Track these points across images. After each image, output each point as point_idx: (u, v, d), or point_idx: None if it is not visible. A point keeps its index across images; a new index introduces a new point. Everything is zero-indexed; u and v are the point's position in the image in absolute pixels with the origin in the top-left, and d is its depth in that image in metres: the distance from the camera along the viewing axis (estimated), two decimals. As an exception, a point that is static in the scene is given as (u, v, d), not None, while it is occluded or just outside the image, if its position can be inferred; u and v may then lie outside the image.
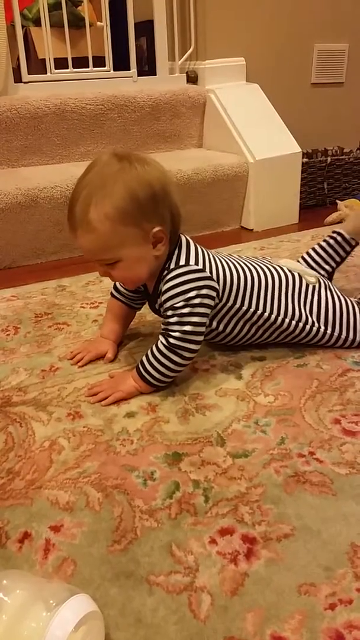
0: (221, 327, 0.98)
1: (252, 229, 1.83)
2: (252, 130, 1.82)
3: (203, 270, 0.91)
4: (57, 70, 1.82)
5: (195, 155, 1.87)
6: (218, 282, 0.93)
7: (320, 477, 0.74)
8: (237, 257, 1.02)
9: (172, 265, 0.91)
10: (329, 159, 2.00)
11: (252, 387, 0.95)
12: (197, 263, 0.91)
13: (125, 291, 1.06)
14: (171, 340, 0.89)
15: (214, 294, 0.92)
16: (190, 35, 1.98)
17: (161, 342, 0.90)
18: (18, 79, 1.79)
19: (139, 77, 1.92)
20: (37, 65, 1.96)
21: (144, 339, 1.14)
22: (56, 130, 1.76)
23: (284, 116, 1.90)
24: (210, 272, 0.92)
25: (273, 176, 1.81)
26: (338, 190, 2.06)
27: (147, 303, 1.04)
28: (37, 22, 2.00)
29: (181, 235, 0.94)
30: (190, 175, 1.68)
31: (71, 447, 0.82)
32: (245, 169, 1.77)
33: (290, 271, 1.03)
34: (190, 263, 0.91)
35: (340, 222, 1.83)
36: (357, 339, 1.03)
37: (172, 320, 0.89)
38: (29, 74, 1.79)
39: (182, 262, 0.91)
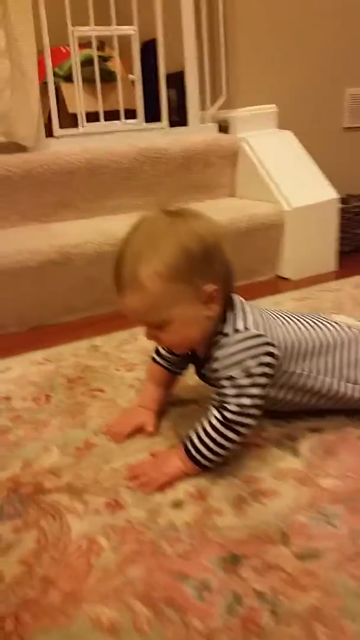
0: (279, 394, 0.88)
1: (289, 278, 1.74)
2: (287, 177, 1.76)
3: (263, 335, 0.82)
4: (88, 124, 1.80)
5: (229, 204, 1.82)
6: (279, 347, 0.84)
7: None
8: (291, 315, 0.92)
9: (229, 330, 0.82)
10: (367, 202, 1.92)
11: (313, 466, 0.84)
12: (256, 327, 0.82)
13: (168, 355, 0.98)
14: (227, 414, 0.80)
15: (274, 361, 0.83)
16: (221, 83, 1.95)
17: (215, 416, 0.81)
18: (49, 134, 1.77)
19: (170, 128, 1.89)
20: (68, 120, 1.95)
21: (186, 408, 1.04)
22: (88, 185, 1.72)
23: (317, 162, 1.84)
24: (271, 336, 0.83)
25: (310, 224, 1.73)
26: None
27: (193, 368, 0.95)
28: (67, 79, 2.02)
29: (233, 295, 0.86)
30: (226, 226, 1.61)
31: (112, 548, 0.72)
32: (280, 217, 1.70)
33: (350, 329, 0.93)
34: (249, 327, 0.82)
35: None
36: None
37: (228, 392, 0.80)
38: (60, 128, 1.77)
39: (239, 326, 0.82)
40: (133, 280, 0.76)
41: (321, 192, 1.76)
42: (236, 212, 1.67)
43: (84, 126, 1.80)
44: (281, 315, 0.90)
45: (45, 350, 1.37)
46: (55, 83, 1.82)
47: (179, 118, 2.02)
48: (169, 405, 1.04)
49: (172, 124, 1.95)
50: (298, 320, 0.90)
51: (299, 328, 0.88)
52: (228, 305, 0.84)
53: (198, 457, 0.81)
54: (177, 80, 2.08)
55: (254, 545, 0.70)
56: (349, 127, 2.13)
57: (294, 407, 0.92)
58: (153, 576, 0.67)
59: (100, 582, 0.67)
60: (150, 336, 0.84)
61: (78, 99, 1.77)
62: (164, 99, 1.86)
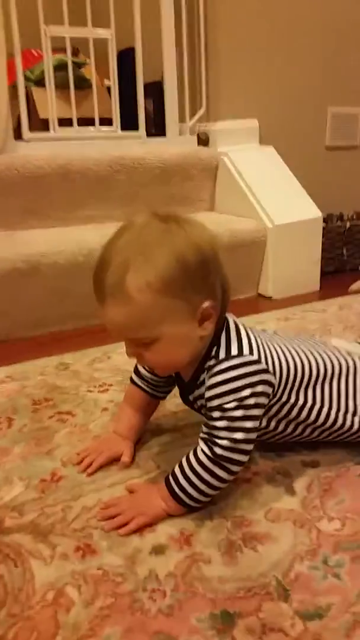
0: (271, 425, 0.80)
1: (271, 297, 1.68)
2: (269, 194, 1.71)
3: (259, 361, 0.73)
4: (60, 128, 1.71)
5: (209, 219, 1.74)
6: (275, 374, 0.75)
7: None
8: (288, 340, 0.84)
9: (222, 355, 0.73)
10: (347, 223, 1.89)
11: (311, 506, 0.75)
12: (251, 352, 0.73)
13: (149, 375, 0.88)
14: (217, 450, 0.70)
15: (269, 390, 0.74)
16: (201, 95, 1.90)
17: (203, 451, 0.72)
18: (18, 137, 1.67)
19: (147, 138, 1.82)
20: (38, 127, 1.86)
21: (167, 436, 0.94)
22: (59, 192, 1.62)
23: (299, 180, 1.79)
24: (266, 362, 0.74)
25: (293, 242, 1.68)
26: (358, 255, 1.93)
27: (178, 391, 0.86)
28: (38, 84, 1.93)
29: (227, 316, 0.77)
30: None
31: (83, 602, 0.61)
32: (263, 234, 1.64)
33: (350, 355, 0.85)
34: (244, 353, 0.73)
35: (365, 290, 1.70)
36: None
37: (219, 424, 0.71)
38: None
39: (234, 351, 0.73)
40: (119, 290, 0.67)
41: (305, 209, 1.71)
42: (217, 227, 1.59)
43: (56, 131, 1.71)
44: (277, 340, 0.82)
45: (8, 367, 1.25)
46: (25, 87, 1.73)
47: (156, 130, 1.95)
48: (147, 433, 0.94)
49: (150, 135, 1.88)
50: (296, 346, 0.83)
51: (297, 354, 0.80)
52: (222, 326, 0.75)
53: (182, 496, 0.72)
54: (154, 91, 2.01)
55: (250, 600, 0.61)
56: (331, 146, 2.11)
57: (287, 439, 0.84)
58: (132, 637, 0.57)
59: (69, 648, 0.56)
60: (132, 354, 0.74)
61: (50, 104, 1.68)
62: (141, 107, 1.79)
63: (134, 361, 0.90)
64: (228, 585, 0.63)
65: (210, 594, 0.62)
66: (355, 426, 0.82)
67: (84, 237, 1.46)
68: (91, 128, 1.75)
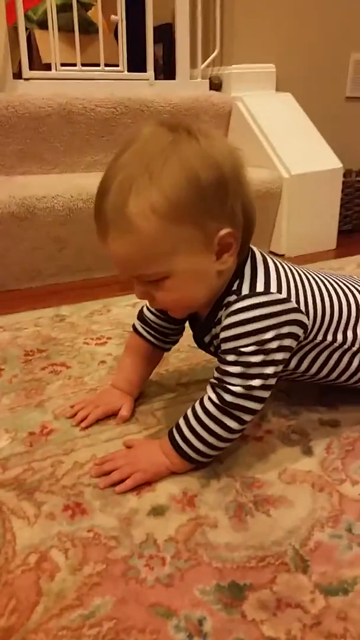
0: (303, 366, 0.70)
1: (284, 254, 1.57)
2: (286, 142, 1.58)
3: (287, 300, 0.63)
4: (63, 68, 1.58)
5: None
6: (308, 314, 0.65)
7: None
8: (327, 275, 0.74)
9: (245, 290, 0.63)
10: (367, 179, 1.76)
11: (331, 468, 0.67)
12: (279, 290, 0.63)
13: (157, 323, 0.78)
14: (227, 397, 0.61)
15: (300, 331, 0.65)
16: (214, 38, 1.75)
17: (210, 398, 0.63)
18: (18, 76, 1.55)
19: (156, 81, 1.69)
20: (41, 69, 1.72)
21: (168, 391, 0.85)
22: (60, 135, 1.50)
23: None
24: (298, 300, 0.64)
25: (310, 194, 1.55)
26: (377, 214, 1.81)
27: (192, 333, 0.75)
28: (41, 25, 1.78)
29: (252, 248, 0.67)
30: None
31: (70, 568, 0.53)
32: (278, 185, 1.51)
33: None
34: (272, 290, 0.63)
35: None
36: None
37: (233, 369, 0.61)
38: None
39: (259, 287, 0.63)
40: (120, 216, 0.56)
41: (324, 159, 1.58)
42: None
43: (58, 70, 1.58)
44: (315, 275, 0.71)
45: (0, 317, 1.16)
46: (27, 29, 1.59)
47: (165, 77, 1.81)
48: (149, 387, 0.85)
49: (160, 79, 1.75)
50: (336, 281, 0.73)
51: (336, 291, 0.71)
52: (246, 257, 0.65)
53: (187, 450, 0.63)
54: (164, 35, 1.87)
55: (262, 571, 0.52)
56: (353, 97, 1.96)
57: (315, 381, 0.75)
58: (125, 610, 0.49)
59: (52, 616, 0.48)
60: (141, 294, 0.64)
61: (52, 45, 1.55)
62: (150, 48, 1.65)
63: (136, 314, 0.81)
64: (237, 553, 0.54)
65: (217, 563, 0.53)
66: None
67: (84, 183, 1.34)
68: (97, 69, 1.62)
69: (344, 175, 1.68)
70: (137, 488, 0.63)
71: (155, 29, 1.67)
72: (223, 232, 0.58)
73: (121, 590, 0.51)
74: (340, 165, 1.59)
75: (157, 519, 0.59)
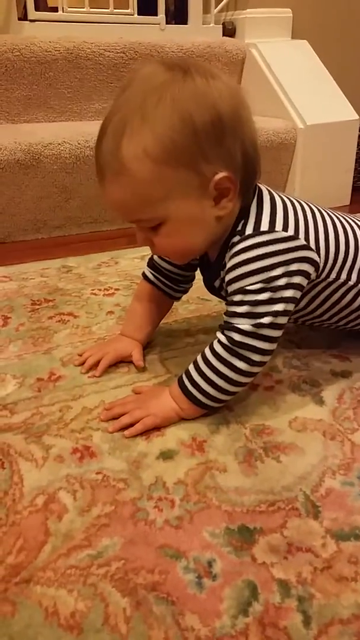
0: (311, 306, 0.69)
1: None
2: (301, 91, 1.52)
3: (295, 237, 0.61)
4: (70, 10, 1.51)
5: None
6: (319, 251, 0.63)
7: None
8: (343, 214, 0.72)
9: (249, 230, 0.60)
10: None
11: (343, 417, 0.65)
12: (286, 228, 0.61)
13: (168, 268, 0.76)
14: (236, 337, 0.60)
15: (311, 269, 0.63)
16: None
17: (220, 340, 0.61)
18: (23, 17, 1.48)
19: (167, 25, 1.61)
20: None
21: (178, 341, 0.84)
22: (67, 80, 1.45)
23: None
24: (307, 238, 0.62)
25: (325, 146, 1.50)
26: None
27: (202, 278, 0.74)
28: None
29: (259, 185, 0.64)
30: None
31: (78, 509, 0.53)
32: (292, 135, 1.46)
33: None
34: (277, 228, 0.61)
35: None
36: None
37: (240, 309, 0.60)
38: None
39: (264, 226, 0.61)
40: (114, 159, 0.55)
41: (340, 110, 1.52)
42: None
43: (66, 11, 1.51)
44: (330, 212, 0.69)
45: (6, 268, 1.14)
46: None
47: (176, 23, 1.74)
48: (157, 337, 0.83)
49: (171, 24, 1.67)
50: (347, 219, 0.70)
51: (352, 228, 0.68)
52: (252, 198, 0.62)
53: (197, 394, 0.62)
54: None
55: (273, 515, 0.52)
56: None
57: (322, 325, 0.74)
58: (133, 551, 0.48)
59: (60, 555, 0.48)
60: (141, 240, 0.63)
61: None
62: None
63: (144, 266, 0.79)
64: (247, 497, 0.54)
65: (227, 506, 0.53)
66: None
67: (92, 131, 1.30)
68: (106, 11, 1.55)
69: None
70: (146, 433, 0.62)
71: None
72: (219, 176, 0.56)
73: (130, 532, 0.50)
74: (356, 116, 1.53)
75: (166, 463, 0.58)
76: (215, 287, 0.69)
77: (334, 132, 1.50)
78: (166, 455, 0.59)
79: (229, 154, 0.56)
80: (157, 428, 0.62)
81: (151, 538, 0.50)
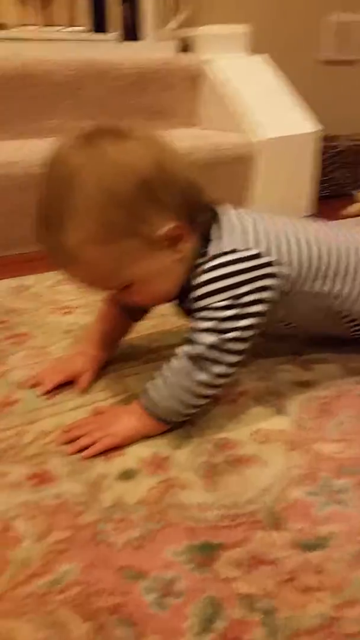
0: (287, 316, 0.70)
1: (258, 222, 1.54)
2: (259, 106, 1.53)
3: (260, 254, 0.62)
4: (22, 27, 1.51)
5: (190, 132, 1.58)
6: (291, 263, 0.64)
7: None
8: (309, 223, 0.73)
9: (214, 251, 0.61)
10: (343, 144, 1.74)
11: (306, 427, 0.65)
12: (250, 246, 0.62)
13: None
14: (198, 349, 0.59)
15: (280, 283, 0.63)
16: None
17: (183, 354, 0.61)
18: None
19: (121, 42, 1.62)
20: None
21: (138, 358, 0.82)
22: (19, 99, 1.43)
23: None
24: (276, 252, 0.63)
25: (284, 159, 1.52)
26: (353, 179, 1.78)
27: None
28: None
29: (220, 206, 0.65)
30: (184, 155, 1.38)
31: (36, 535, 0.51)
32: (250, 149, 1.48)
33: None
34: (241, 247, 0.61)
35: None
36: None
37: (205, 325, 0.60)
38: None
39: (228, 246, 0.61)
40: (62, 253, 0.58)
41: (298, 123, 1.54)
42: (197, 140, 1.43)
43: (14, 29, 1.50)
44: (297, 223, 0.69)
45: None
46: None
47: (131, 39, 1.75)
48: (118, 354, 0.81)
49: (125, 40, 1.68)
50: (318, 229, 0.71)
51: (319, 238, 0.68)
52: (209, 224, 0.63)
53: (158, 409, 0.61)
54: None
55: (235, 529, 0.51)
56: (330, 61, 1.90)
57: (298, 332, 0.76)
58: (94, 574, 0.47)
59: (17, 584, 0.46)
60: (120, 298, 0.66)
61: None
62: (114, 7, 1.58)
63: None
64: (209, 513, 0.53)
65: (189, 523, 0.52)
66: None
67: (45, 148, 1.29)
68: (58, 28, 1.55)
69: (324, 140, 1.65)
70: (106, 453, 0.60)
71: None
72: (164, 229, 0.58)
73: (90, 555, 0.49)
74: (315, 129, 1.55)
75: (126, 483, 0.56)
76: (185, 309, 0.68)
77: (292, 145, 1.52)
78: (126, 475, 0.57)
79: (166, 206, 0.58)
80: (118, 447, 0.61)
81: (112, 560, 0.48)
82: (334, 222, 1.48)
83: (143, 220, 0.57)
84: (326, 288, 0.67)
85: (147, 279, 0.61)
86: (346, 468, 0.58)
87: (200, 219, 0.62)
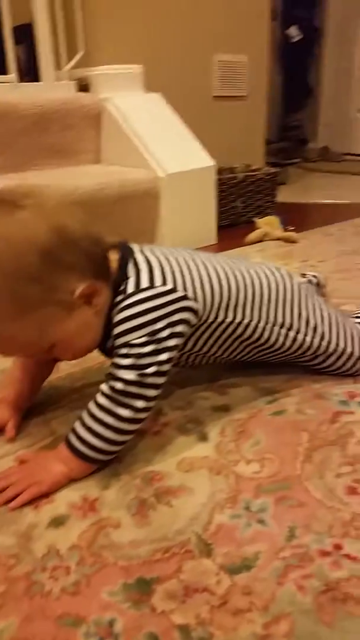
0: (197, 347, 0.73)
1: (168, 253, 1.59)
2: (159, 142, 1.60)
3: (174, 290, 0.65)
4: None
5: (95, 170, 1.62)
6: (196, 298, 0.67)
7: (363, 587, 0.50)
8: (208, 257, 0.76)
9: (131, 289, 0.64)
10: (240, 175, 1.84)
11: (226, 451, 0.69)
12: (165, 281, 0.65)
13: None
14: (119, 385, 0.61)
15: (191, 317, 0.67)
16: (78, 37, 1.73)
17: (103, 392, 0.62)
18: None
19: (19, 83, 1.63)
20: None
21: (62, 398, 0.83)
22: None
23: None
24: (185, 287, 0.66)
25: (187, 192, 1.59)
26: (252, 208, 1.90)
27: None
28: None
29: (132, 246, 0.68)
30: (93, 193, 1.40)
31: (-33, 596, 0.50)
32: (155, 184, 1.53)
33: (279, 270, 0.80)
34: (156, 284, 0.64)
35: (261, 240, 1.67)
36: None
37: (125, 361, 0.62)
38: None
39: (143, 283, 0.64)
40: None
41: (197, 158, 1.62)
42: (104, 177, 1.47)
43: None
44: (198, 259, 0.73)
45: None
46: None
47: (29, 79, 1.76)
48: (40, 397, 0.82)
49: (23, 81, 1.69)
50: (220, 264, 0.75)
51: (222, 272, 0.73)
52: (124, 265, 0.65)
53: (84, 450, 0.62)
54: (24, 35, 1.81)
55: (168, 562, 0.53)
56: (219, 96, 2.03)
57: (211, 359, 0.78)
58: (31, 628, 0.47)
59: None
60: (44, 358, 0.71)
61: None
62: (10, 49, 1.60)
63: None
64: (142, 549, 0.54)
65: (123, 562, 0.53)
66: (291, 339, 0.77)
67: None
68: None
69: (218, 173, 1.75)
70: (35, 501, 0.61)
71: (15, 29, 1.62)
72: (78, 291, 0.60)
73: (26, 608, 0.49)
74: (212, 163, 1.64)
75: (58, 530, 0.57)
76: (107, 348, 0.68)
77: (193, 179, 1.60)
78: (57, 522, 0.58)
79: (73, 268, 0.59)
80: (46, 495, 0.61)
81: (49, 610, 0.49)
82: (236, 251, 1.58)
83: (55, 288, 0.58)
84: (229, 319, 0.72)
85: (68, 338, 0.62)
86: (264, 487, 0.62)
87: (107, 266, 0.64)
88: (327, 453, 0.67)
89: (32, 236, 0.56)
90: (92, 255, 0.61)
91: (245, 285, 0.74)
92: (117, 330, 0.63)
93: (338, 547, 0.54)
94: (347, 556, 0.53)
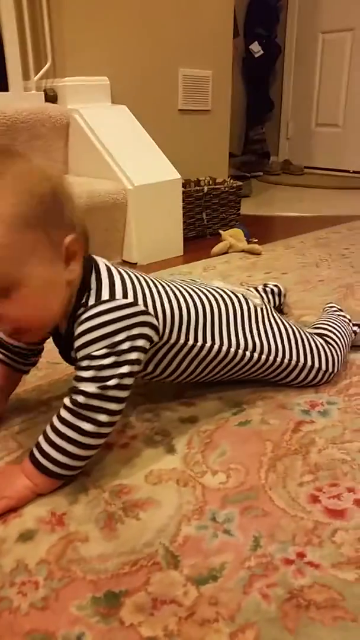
0: (158, 370, 0.74)
1: (136, 263, 1.61)
2: (126, 154, 1.62)
3: (135, 303, 0.66)
4: None
5: (63, 181, 1.62)
6: (157, 316, 0.68)
7: (325, 594, 0.52)
8: (168, 281, 0.78)
9: (92, 301, 0.64)
10: (205, 188, 1.87)
11: (193, 462, 0.70)
12: (125, 295, 0.65)
13: (15, 344, 0.76)
14: (81, 399, 0.61)
15: (152, 333, 0.67)
16: (45, 49, 1.73)
17: (65, 405, 0.62)
18: None
19: (-14, 93, 1.62)
20: None
21: (28, 411, 0.83)
22: None
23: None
24: (146, 304, 0.67)
25: (154, 204, 1.61)
26: (216, 220, 1.93)
27: (58, 351, 0.74)
28: None
29: (96, 259, 0.68)
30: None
31: None
32: (123, 196, 1.55)
33: (234, 294, 0.83)
34: (117, 297, 0.65)
35: (226, 252, 1.70)
36: (315, 365, 0.85)
37: (86, 374, 0.62)
38: None
39: (104, 295, 0.64)
40: None
41: (163, 171, 1.64)
42: (74, 187, 1.47)
43: None
44: (158, 282, 0.74)
45: None
46: None
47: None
48: (7, 411, 0.82)
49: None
50: (180, 286, 0.77)
51: (182, 294, 0.75)
52: (89, 271, 0.66)
53: (49, 465, 0.62)
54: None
55: (136, 575, 0.54)
56: (183, 110, 2.06)
57: (175, 380, 0.79)
58: (0, 647, 0.47)
59: None
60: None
61: None
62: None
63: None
64: (110, 562, 0.55)
65: (91, 576, 0.54)
66: (254, 360, 0.80)
67: None
68: None
69: (184, 186, 1.77)
70: (2, 516, 0.60)
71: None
72: (69, 238, 0.60)
73: (-6, 625, 0.49)
74: (178, 176, 1.67)
75: (26, 544, 0.57)
76: (72, 358, 0.68)
77: (160, 191, 1.61)
78: (25, 537, 0.58)
79: (70, 220, 0.61)
80: (14, 509, 0.61)
81: (17, 627, 0.49)
82: (202, 262, 1.60)
83: (53, 223, 0.59)
84: (190, 342, 0.74)
85: (37, 286, 0.59)
86: (230, 498, 0.63)
87: (85, 254, 0.65)
88: (290, 462, 0.70)
89: (49, 174, 0.60)
90: (82, 226, 0.63)
91: (204, 308, 0.76)
92: (79, 342, 0.63)
93: (301, 555, 0.56)
94: (310, 564, 0.55)
